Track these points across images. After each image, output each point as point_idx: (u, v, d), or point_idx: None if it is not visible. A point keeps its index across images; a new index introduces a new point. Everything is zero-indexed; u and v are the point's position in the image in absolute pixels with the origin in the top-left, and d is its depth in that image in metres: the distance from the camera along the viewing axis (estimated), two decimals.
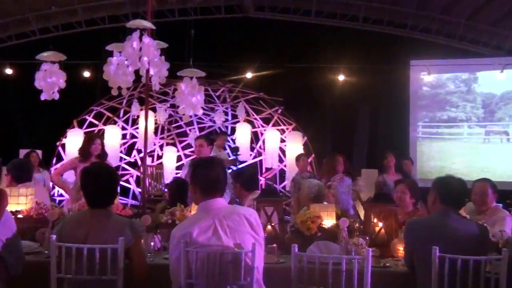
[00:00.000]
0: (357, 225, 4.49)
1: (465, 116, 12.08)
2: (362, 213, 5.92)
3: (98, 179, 3.43)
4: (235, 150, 9.96)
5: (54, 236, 3.33)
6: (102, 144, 6.38)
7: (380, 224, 4.51)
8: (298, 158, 8.11)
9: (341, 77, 11.50)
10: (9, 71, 11.36)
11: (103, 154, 6.32)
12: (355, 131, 13.00)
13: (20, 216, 4.53)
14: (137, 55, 4.87)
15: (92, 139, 6.41)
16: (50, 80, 5.82)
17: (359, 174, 8.25)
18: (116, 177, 3.67)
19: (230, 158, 9.91)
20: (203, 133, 11.66)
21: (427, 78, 11.86)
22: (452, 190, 3.62)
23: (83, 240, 3.28)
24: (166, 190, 7.76)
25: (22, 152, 9.28)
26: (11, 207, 4.50)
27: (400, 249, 4.06)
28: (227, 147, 10.56)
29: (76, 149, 8.05)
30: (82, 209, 4.19)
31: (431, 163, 12.06)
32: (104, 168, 3.61)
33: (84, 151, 6.25)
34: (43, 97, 6.05)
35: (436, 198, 3.66)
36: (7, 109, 11.71)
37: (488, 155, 11.74)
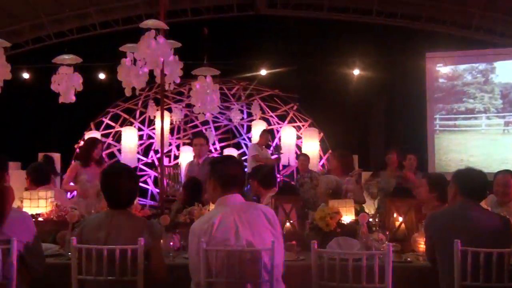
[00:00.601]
0: (376, 220, 4.47)
1: (483, 107, 11.92)
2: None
3: (118, 179, 3.44)
4: (277, 149, 9.86)
5: (74, 238, 3.35)
6: (102, 149, 6.42)
7: (400, 219, 4.47)
8: (297, 158, 8.11)
9: (356, 72, 11.43)
10: (26, 75, 11.47)
11: (103, 159, 6.37)
12: (372, 126, 12.93)
13: (40, 219, 4.57)
14: (151, 55, 4.88)
15: (95, 143, 6.46)
16: (66, 83, 5.86)
17: (376, 169, 8.18)
18: (136, 177, 3.69)
19: (272, 157, 9.82)
20: (219, 132, 11.68)
21: (443, 70, 11.73)
22: (473, 182, 3.59)
23: (103, 242, 3.30)
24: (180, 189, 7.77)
25: (41, 156, 9.37)
26: (31, 210, 4.55)
27: (421, 243, 4.02)
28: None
29: None
30: (102, 210, 4.23)
31: (449, 156, 11.92)
32: (124, 169, 3.62)
33: (86, 156, 6.28)
34: (60, 100, 6.10)
35: (457, 191, 3.63)
36: (25, 113, 11.83)
37: (508, 146, 11.57)
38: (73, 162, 7.69)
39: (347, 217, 4.39)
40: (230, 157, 3.47)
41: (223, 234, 3.07)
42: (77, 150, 10.48)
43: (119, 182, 3.41)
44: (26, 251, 3.31)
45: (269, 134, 10.13)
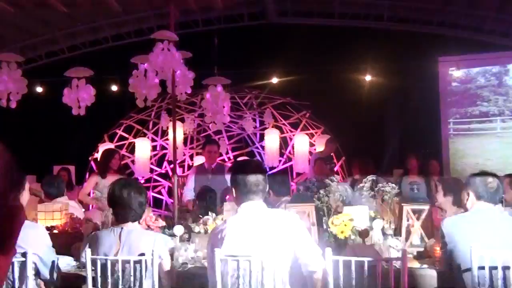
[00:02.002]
0: (392, 226, 4.43)
1: (498, 110, 11.81)
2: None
3: (124, 194, 3.43)
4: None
5: (89, 250, 3.36)
6: (120, 159, 6.45)
7: (416, 224, 4.43)
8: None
9: (368, 78, 11.39)
10: (40, 89, 11.58)
11: (122, 169, 6.39)
12: (385, 131, 12.86)
13: (55, 231, 4.60)
14: (162, 65, 4.91)
15: (112, 154, 6.50)
16: (77, 95, 5.92)
17: (391, 174, 8.14)
18: (143, 191, 3.66)
19: None
20: (232, 141, 11.69)
21: (456, 73, 11.66)
22: (487, 186, 3.55)
23: (115, 255, 3.31)
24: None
25: (56, 169, 9.44)
26: (46, 222, 4.58)
27: (437, 248, 3.97)
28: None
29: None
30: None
31: (464, 160, 11.83)
32: (131, 183, 3.62)
33: (104, 167, 6.32)
34: (74, 112, 6.16)
35: (472, 195, 3.59)
36: (40, 127, 11.93)
37: None
38: (90, 174, 7.73)
39: (362, 224, 4.36)
40: (250, 162, 3.38)
41: (235, 244, 3.05)
42: (92, 162, 10.56)
43: (127, 197, 3.41)
44: (41, 263, 3.33)
45: (335, 145, 9.79)
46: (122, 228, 3.41)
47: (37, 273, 3.34)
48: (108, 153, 6.71)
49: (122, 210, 3.43)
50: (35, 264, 3.29)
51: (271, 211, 3.24)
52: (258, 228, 3.07)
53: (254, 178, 3.14)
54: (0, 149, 0.80)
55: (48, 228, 4.33)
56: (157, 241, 3.38)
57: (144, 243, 3.34)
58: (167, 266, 3.45)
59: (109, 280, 3.24)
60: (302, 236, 3.11)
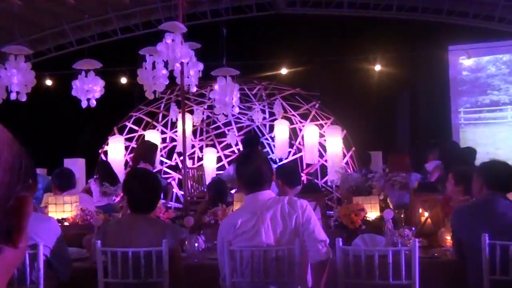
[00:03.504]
0: (402, 216, 4.42)
1: (509, 99, 11.72)
2: None
3: (139, 184, 3.46)
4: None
5: (99, 242, 3.38)
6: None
7: (426, 214, 4.41)
8: None
9: (377, 67, 11.33)
10: (49, 82, 11.62)
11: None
12: (395, 121, 12.81)
13: (66, 223, 4.62)
14: (170, 56, 4.90)
15: (156, 148, 6.34)
16: (86, 88, 5.93)
17: None
18: (158, 182, 3.70)
19: None
20: (241, 132, 11.68)
21: (466, 62, 11.58)
22: (498, 175, 3.52)
23: (126, 246, 3.32)
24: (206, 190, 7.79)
25: (67, 161, 9.47)
26: (56, 215, 4.60)
27: (448, 238, 3.96)
28: None
29: (119, 155, 8.19)
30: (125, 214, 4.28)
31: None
32: (146, 174, 3.67)
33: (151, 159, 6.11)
34: (84, 104, 6.17)
35: (482, 184, 3.56)
36: (49, 120, 11.99)
37: None
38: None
39: (372, 214, 4.35)
40: (252, 154, 3.39)
41: (245, 234, 3.08)
42: (102, 155, 10.59)
43: (140, 187, 3.43)
44: (53, 255, 3.35)
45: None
46: (135, 217, 3.43)
47: (49, 265, 3.36)
48: (153, 146, 6.46)
49: (136, 200, 3.45)
50: (46, 256, 3.31)
51: (279, 199, 3.22)
52: (266, 216, 3.07)
53: (258, 169, 3.16)
54: (9, 140, 0.79)
55: (59, 221, 4.35)
56: (169, 231, 3.39)
57: (156, 233, 3.36)
58: (177, 257, 3.46)
59: (120, 270, 3.25)
60: (309, 222, 3.09)
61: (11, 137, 0.81)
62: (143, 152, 5.97)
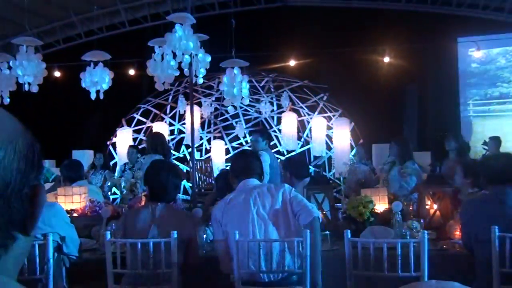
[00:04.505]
0: (411, 208, 4.41)
1: None
2: None
3: (161, 175, 3.53)
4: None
5: (108, 233, 3.40)
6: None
7: (435, 206, 4.40)
8: None
9: (386, 59, 11.27)
10: (58, 74, 11.65)
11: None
12: (404, 114, 12.76)
13: (75, 214, 4.65)
14: (179, 47, 4.90)
15: (163, 136, 6.32)
16: (95, 79, 5.94)
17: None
18: (179, 174, 3.80)
19: None
20: (249, 124, 11.68)
21: (476, 54, 11.48)
22: (500, 168, 3.48)
23: (146, 235, 3.37)
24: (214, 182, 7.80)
25: (75, 153, 9.51)
26: (66, 206, 4.62)
27: (457, 230, 3.94)
28: None
29: (127, 147, 8.21)
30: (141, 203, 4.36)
31: None
32: (169, 165, 3.76)
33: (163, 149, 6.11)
34: (93, 96, 6.19)
35: (487, 177, 3.54)
36: (58, 111, 12.03)
37: None
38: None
39: (381, 206, 4.34)
40: (242, 151, 4.20)
41: (235, 207, 3.31)
42: (110, 146, 10.62)
43: (162, 177, 3.52)
44: (63, 241, 3.40)
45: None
46: (157, 205, 3.49)
47: (59, 250, 3.40)
48: (159, 136, 6.41)
49: (157, 190, 3.52)
50: (57, 243, 3.35)
51: (262, 184, 3.51)
52: (253, 192, 3.34)
53: (247, 163, 3.53)
54: (23, 129, 0.80)
55: (68, 212, 4.37)
56: (188, 221, 3.47)
57: (175, 221, 3.42)
58: (195, 246, 3.52)
59: (139, 258, 3.27)
60: (296, 196, 3.34)
61: (24, 127, 0.83)
62: (153, 145, 5.94)
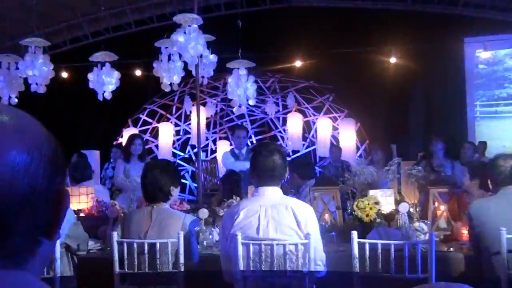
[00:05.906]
0: (417, 209, 4.39)
1: None
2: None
3: (152, 174, 3.47)
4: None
5: (115, 233, 3.40)
6: (143, 144, 6.35)
7: (442, 208, 4.39)
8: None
9: (392, 60, 11.26)
10: (65, 74, 11.69)
11: (143, 154, 6.33)
12: (410, 114, 12.73)
13: (82, 214, 4.66)
14: (185, 47, 4.91)
15: (131, 140, 6.44)
16: (102, 80, 5.96)
17: (415, 158, 8.05)
18: (175, 174, 3.70)
19: None
20: (255, 125, 11.68)
21: (483, 55, 11.43)
22: (501, 169, 3.47)
23: (144, 236, 3.35)
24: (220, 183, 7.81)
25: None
26: (72, 206, 4.64)
27: (464, 232, 3.93)
28: None
29: None
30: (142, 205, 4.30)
31: (491, 143, 11.61)
32: (164, 165, 3.69)
33: (125, 152, 6.30)
34: (100, 97, 6.20)
35: (498, 178, 3.52)
36: (65, 112, 12.06)
37: None
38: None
39: (387, 207, 4.33)
40: (268, 146, 3.26)
41: (245, 228, 3.01)
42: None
43: (155, 176, 3.45)
44: (69, 238, 3.43)
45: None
46: (153, 207, 3.45)
47: (67, 248, 3.44)
48: (128, 139, 6.66)
49: (152, 191, 3.46)
50: (66, 244, 3.38)
51: (287, 198, 3.15)
52: (271, 214, 3.00)
53: (271, 163, 3.05)
54: (48, 135, 0.81)
55: (74, 212, 4.39)
56: (186, 222, 3.41)
57: (173, 222, 3.38)
58: (193, 247, 3.48)
59: (136, 261, 3.27)
60: (312, 231, 3.01)
61: (48, 132, 0.83)
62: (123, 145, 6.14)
